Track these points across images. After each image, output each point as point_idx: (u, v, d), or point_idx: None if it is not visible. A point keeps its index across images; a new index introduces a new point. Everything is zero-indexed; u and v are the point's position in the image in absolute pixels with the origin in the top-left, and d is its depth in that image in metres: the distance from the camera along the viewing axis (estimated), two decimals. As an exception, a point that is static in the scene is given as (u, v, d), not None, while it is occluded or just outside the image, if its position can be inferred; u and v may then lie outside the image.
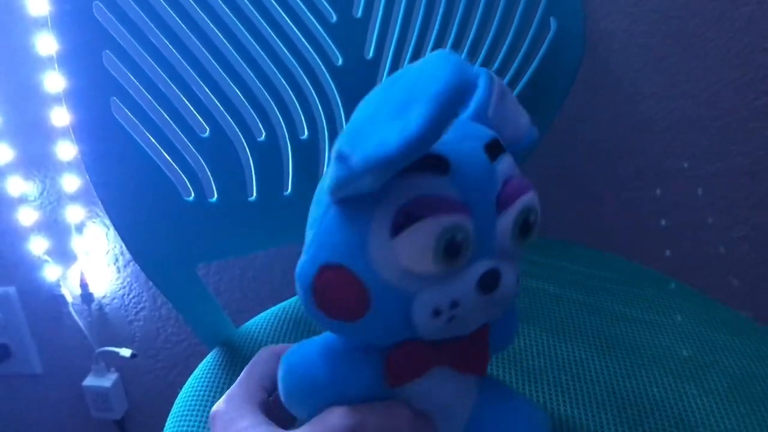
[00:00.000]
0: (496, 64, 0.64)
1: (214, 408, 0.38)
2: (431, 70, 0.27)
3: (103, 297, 0.98)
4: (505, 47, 0.64)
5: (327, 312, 0.33)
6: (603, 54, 0.79)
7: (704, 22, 0.75)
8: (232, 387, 0.39)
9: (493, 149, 0.34)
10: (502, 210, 0.32)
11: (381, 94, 0.29)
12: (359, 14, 0.57)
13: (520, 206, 0.33)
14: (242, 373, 0.40)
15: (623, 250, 0.80)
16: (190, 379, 0.54)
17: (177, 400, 0.52)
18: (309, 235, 0.34)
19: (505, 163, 0.34)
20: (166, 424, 0.51)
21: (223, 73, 0.53)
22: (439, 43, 0.61)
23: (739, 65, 0.76)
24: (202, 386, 0.53)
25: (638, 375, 0.52)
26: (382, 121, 0.27)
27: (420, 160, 0.30)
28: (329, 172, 0.31)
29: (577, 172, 0.86)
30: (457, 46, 0.62)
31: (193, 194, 0.53)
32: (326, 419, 0.34)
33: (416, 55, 0.60)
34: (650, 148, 0.83)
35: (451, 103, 0.26)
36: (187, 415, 0.50)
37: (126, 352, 0.97)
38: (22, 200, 0.91)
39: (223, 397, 0.39)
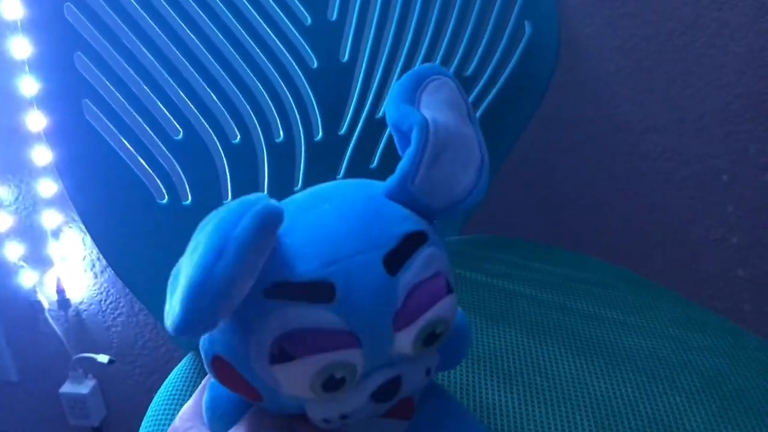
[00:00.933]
0: (471, 68, 0.65)
1: (171, 426, 0.38)
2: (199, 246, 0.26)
3: (80, 303, 0.97)
4: (479, 51, 0.64)
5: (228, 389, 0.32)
6: (578, 57, 0.79)
7: (678, 26, 0.76)
8: (186, 404, 0.39)
9: (399, 256, 0.30)
10: (402, 328, 0.30)
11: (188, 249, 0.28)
12: (334, 17, 0.58)
13: (423, 324, 0.30)
14: (199, 387, 0.40)
15: (599, 251, 0.81)
16: (165, 383, 0.54)
17: (152, 404, 0.52)
18: None
19: (415, 267, 0.30)
20: (141, 426, 0.50)
21: (196, 75, 0.53)
22: (414, 46, 0.61)
23: (713, 68, 0.77)
24: (177, 390, 0.52)
25: (612, 375, 0.52)
26: (175, 287, 0.27)
27: (301, 288, 0.28)
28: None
29: (554, 174, 0.86)
30: (432, 49, 0.62)
31: (167, 197, 0.53)
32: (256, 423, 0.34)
33: (392, 57, 0.60)
34: (626, 150, 0.83)
35: (198, 302, 0.25)
36: (161, 419, 0.50)
37: (103, 358, 0.96)
38: (-3, 205, 0.90)
39: (177, 414, 0.39)
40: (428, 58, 0.62)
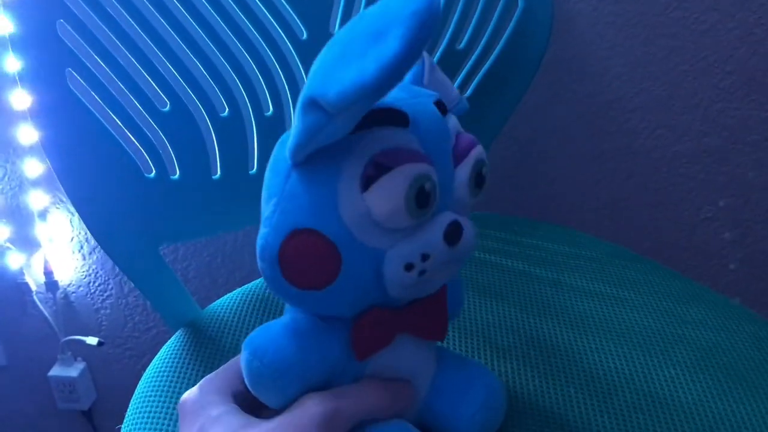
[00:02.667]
0: (462, 43, 0.64)
1: (185, 396, 0.37)
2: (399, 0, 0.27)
3: (69, 285, 0.96)
4: (471, 26, 0.63)
5: (295, 282, 0.32)
6: (571, 33, 0.79)
7: (671, 2, 0.75)
8: (207, 376, 0.38)
9: (442, 106, 0.35)
10: (458, 163, 0.33)
11: (345, 37, 0.29)
12: (324, -12, 0.57)
13: (474, 158, 0.33)
14: (224, 365, 0.39)
15: (592, 228, 0.80)
16: (154, 360, 0.53)
17: (141, 381, 0.51)
18: (268, 206, 0.33)
19: (453, 120, 0.35)
20: (130, 404, 0.50)
21: (183, 47, 0.52)
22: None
23: (705, 45, 0.77)
24: (166, 367, 0.52)
25: (606, 349, 0.52)
26: (353, 57, 0.27)
27: (381, 114, 0.31)
28: (294, 129, 0.30)
29: (545, 151, 0.86)
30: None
31: (154, 171, 0.52)
32: (304, 406, 0.33)
33: (382, 30, 0.59)
34: (618, 127, 0.83)
35: (426, 23, 0.25)
36: (150, 396, 0.49)
37: (92, 340, 0.96)
38: (-18, 186, 0.89)
39: (196, 385, 0.38)
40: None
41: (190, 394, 0.37)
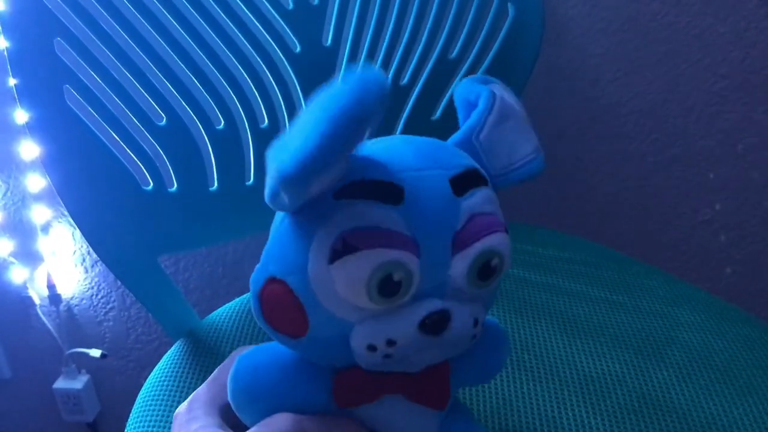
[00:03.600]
0: (455, 51, 0.65)
1: (178, 409, 0.38)
2: (340, 90, 0.26)
3: (72, 298, 0.97)
4: (463, 35, 0.64)
5: (271, 325, 0.32)
6: (564, 40, 0.79)
7: (663, 7, 0.76)
8: (198, 389, 0.39)
9: (464, 182, 0.31)
10: (459, 250, 0.30)
11: (309, 107, 0.27)
12: (316, 1, 0.58)
13: (480, 248, 0.30)
14: (211, 375, 0.39)
15: (587, 232, 0.81)
16: (154, 370, 0.54)
17: (141, 391, 0.52)
18: (268, 241, 0.33)
19: (477, 198, 0.31)
20: (131, 412, 0.50)
21: (179, 61, 0.53)
22: (397, 29, 0.61)
23: (698, 49, 0.77)
24: (166, 376, 0.52)
25: (600, 352, 0.52)
26: (293, 138, 0.26)
27: (372, 186, 0.29)
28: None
29: (541, 158, 0.86)
30: (415, 33, 0.62)
31: (152, 183, 0.53)
32: (272, 422, 0.33)
33: (374, 42, 0.60)
34: (613, 132, 0.84)
35: (347, 126, 0.25)
36: (151, 405, 0.50)
37: (96, 352, 0.96)
38: (-14, 201, 0.90)
39: (188, 398, 0.38)
40: (412, 41, 0.62)
41: (181, 407, 0.38)
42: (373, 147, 0.32)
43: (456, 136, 0.34)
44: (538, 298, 0.59)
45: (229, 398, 0.35)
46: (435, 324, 0.30)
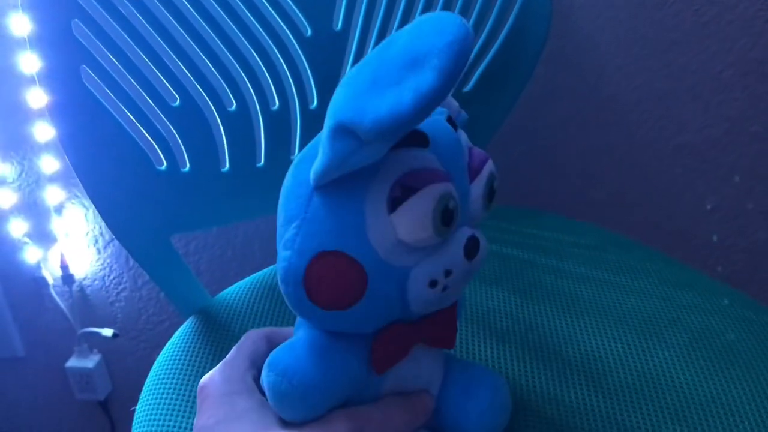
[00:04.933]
0: (464, 36, 0.65)
1: (205, 379, 0.38)
2: (433, 27, 0.27)
3: (84, 278, 0.99)
4: (472, 20, 0.65)
5: (321, 303, 0.32)
6: (571, 27, 0.80)
7: (671, -5, 0.76)
8: (222, 362, 0.39)
9: (452, 122, 0.35)
10: (473, 178, 0.34)
11: (375, 62, 0.29)
12: (327, -14, 0.59)
13: (487, 173, 0.34)
14: (231, 352, 0.39)
15: (594, 220, 0.82)
16: (167, 345, 0.55)
17: (154, 365, 0.54)
18: (288, 229, 0.33)
19: (464, 135, 0.36)
20: (144, 385, 0.52)
21: (192, 44, 0.54)
22: (406, 15, 0.62)
23: (706, 36, 0.78)
24: (178, 351, 0.54)
25: (602, 333, 0.53)
26: (387, 85, 0.27)
27: (407, 133, 0.31)
28: (322, 154, 0.30)
29: (548, 144, 0.87)
30: (424, 18, 0.63)
31: (165, 164, 0.54)
32: (331, 423, 0.34)
33: (384, 26, 0.61)
34: (620, 120, 0.84)
35: (462, 55, 0.26)
36: (163, 378, 0.51)
37: (108, 332, 0.98)
38: (1, 182, 0.91)
39: (214, 370, 0.38)
40: (421, 26, 0.63)
41: (211, 378, 0.38)
42: None
43: None
44: (543, 280, 0.60)
45: (271, 400, 0.35)
46: (473, 247, 0.34)
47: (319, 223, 0.32)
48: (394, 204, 0.31)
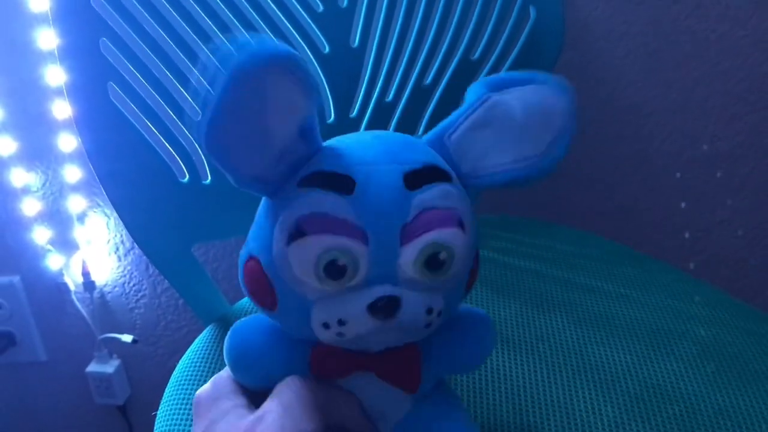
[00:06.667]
0: (477, 52, 0.67)
1: (198, 392, 0.39)
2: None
3: (105, 285, 1.01)
4: (485, 36, 0.67)
5: (252, 298, 0.36)
6: (585, 41, 0.81)
7: (684, 9, 0.77)
8: (218, 373, 0.40)
9: (418, 177, 0.33)
10: (407, 242, 0.32)
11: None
12: (345, 4, 0.60)
13: (426, 241, 0.31)
14: None
15: (606, 232, 0.82)
16: (187, 353, 0.57)
17: (175, 371, 0.55)
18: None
19: (432, 193, 0.32)
20: (165, 391, 0.53)
21: (214, 60, 0.55)
22: (422, 31, 0.63)
23: (718, 51, 0.78)
24: (198, 358, 0.55)
25: (611, 343, 0.54)
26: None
27: (328, 177, 0.32)
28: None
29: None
30: (439, 34, 0.64)
31: (187, 176, 0.56)
32: (282, 392, 0.35)
33: (400, 42, 0.63)
34: (632, 133, 0.85)
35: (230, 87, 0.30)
36: (184, 384, 0.53)
37: (127, 337, 1.00)
38: (26, 191, 0.93)
39: (209, 381, 0.40)
40: (436, 42, 0.64)
41: (203, 389, 0.39)
42: (344, 140, 0.35)
43: (430, 134, 0.36)
44: (553, 291, 0.61)
45: (225, 360, 0.38)
46: (384, 308, 0.32)
47: (256, 228, 0.35)
48: (289, 239, 0.32)
